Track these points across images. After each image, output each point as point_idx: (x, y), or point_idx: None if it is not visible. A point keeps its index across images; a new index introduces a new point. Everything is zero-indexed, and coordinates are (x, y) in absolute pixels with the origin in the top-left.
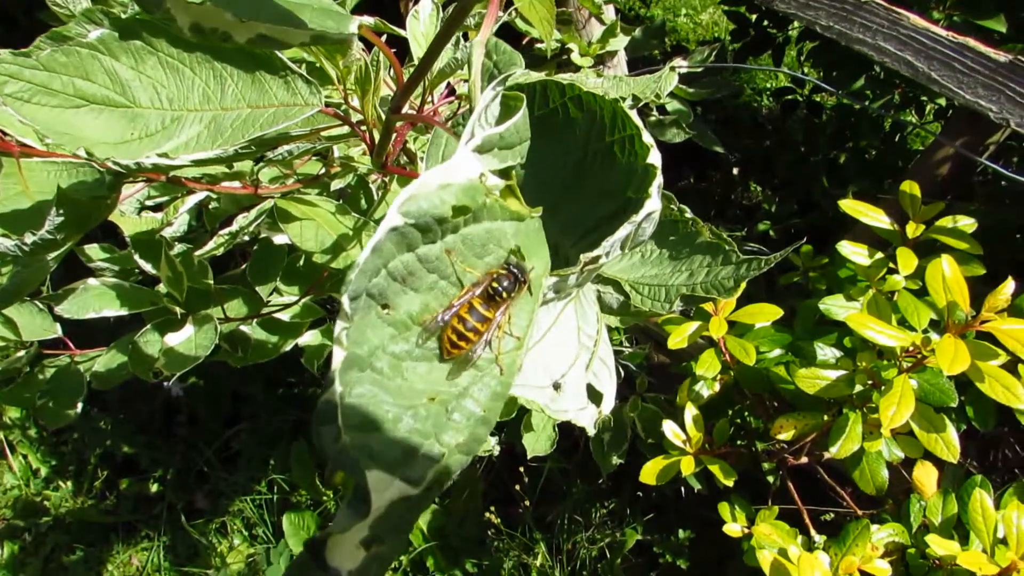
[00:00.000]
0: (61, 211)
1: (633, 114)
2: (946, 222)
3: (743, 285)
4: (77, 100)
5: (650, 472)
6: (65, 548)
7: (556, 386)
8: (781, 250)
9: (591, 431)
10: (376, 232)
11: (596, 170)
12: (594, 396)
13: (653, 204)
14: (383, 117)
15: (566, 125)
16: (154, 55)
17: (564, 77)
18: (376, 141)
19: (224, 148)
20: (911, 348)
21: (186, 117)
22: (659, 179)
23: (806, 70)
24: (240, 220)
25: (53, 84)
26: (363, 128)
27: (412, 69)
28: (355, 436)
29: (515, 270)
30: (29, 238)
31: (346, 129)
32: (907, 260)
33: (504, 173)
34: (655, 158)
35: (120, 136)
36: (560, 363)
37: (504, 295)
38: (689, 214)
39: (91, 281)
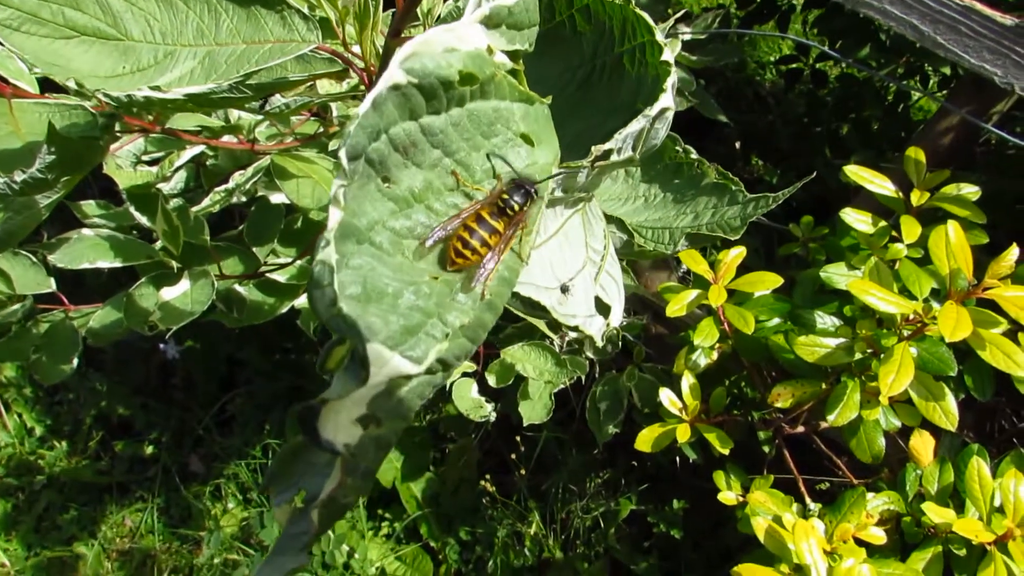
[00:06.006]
0: (52, 149)
1: (646, 16)
2: (950, 190)
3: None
4: (67, 31)
5: (646, 439)
6: (59, 507)
7: (564, 288)
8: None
9: (599, 342)
10: (376, 86)
11: (604, 85)
12: (602, 309)
13: (667, 100)
14: (380, 53)
15: (572, 39)
16: None
17: None
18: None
19: (218, 83)
20: (912, 316)
21: (179, 52)
22: (673, 78)
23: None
24: (236, 177)
25: (42, 13)
26: (361, 68)
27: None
28: (352, 306)
29: (526, 184)
30: (19, 176)
31: (345, 86)
32: (911, 228)
33: (512, 57)
34: (668, 56)
35: (111, 70)
36: (567, 268)
37: (516, 208)
38: (694, 155)
39: (85, 231)
